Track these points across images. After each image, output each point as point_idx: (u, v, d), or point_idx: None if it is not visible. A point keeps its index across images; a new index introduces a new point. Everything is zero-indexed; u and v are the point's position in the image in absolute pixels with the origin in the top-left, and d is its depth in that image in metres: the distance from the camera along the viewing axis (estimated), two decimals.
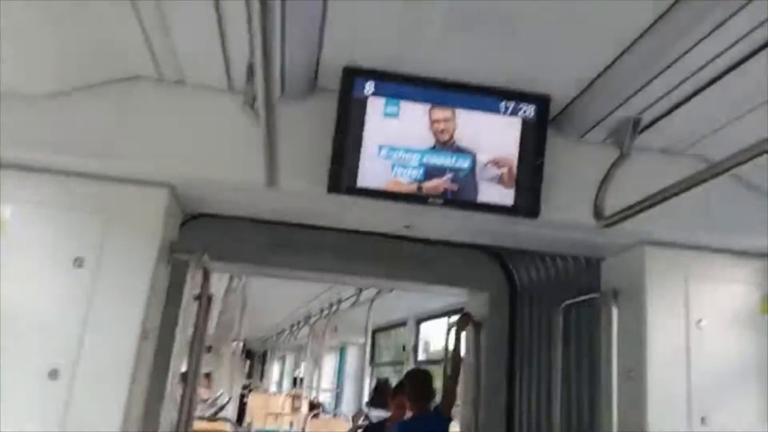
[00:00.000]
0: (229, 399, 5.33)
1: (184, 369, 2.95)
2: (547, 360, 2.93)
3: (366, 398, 6.59)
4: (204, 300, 2.25)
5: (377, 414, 4.80)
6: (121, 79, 1.92)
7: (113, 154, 1.84)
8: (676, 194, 1.76)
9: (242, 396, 15.08)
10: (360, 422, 4.87)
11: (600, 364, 2.54)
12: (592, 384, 2.75)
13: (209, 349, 13.17)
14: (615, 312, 2.41)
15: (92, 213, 1.87)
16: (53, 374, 1.73)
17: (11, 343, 1.73)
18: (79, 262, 1.82)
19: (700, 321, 2.35)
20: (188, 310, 2.25)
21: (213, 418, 4.71)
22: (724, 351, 2.35)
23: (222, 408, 4.95)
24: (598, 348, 2.58)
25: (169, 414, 2.17)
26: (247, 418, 12.57)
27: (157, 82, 1.96)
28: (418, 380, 4.53)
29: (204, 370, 11.28)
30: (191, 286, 2.18)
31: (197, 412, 5.13)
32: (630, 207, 1.97)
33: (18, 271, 1.79)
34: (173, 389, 2.22)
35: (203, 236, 2.59)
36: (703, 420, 2.25)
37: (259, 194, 1.96)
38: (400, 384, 4.80)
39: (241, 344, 15.53)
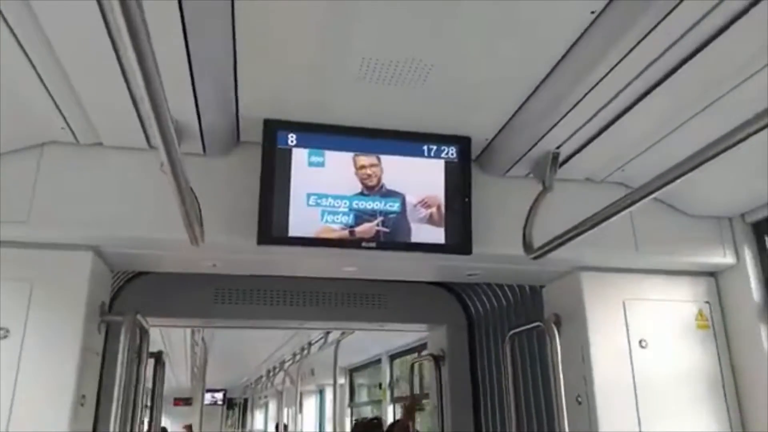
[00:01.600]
0: None
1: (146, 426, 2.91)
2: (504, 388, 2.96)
3: None
4: (144, 357, 2.23)
5: None
6: (36, 145, 1.94)
7: (32, 220, 1.85)
8: (601, 222, 1.83)
9: None
10: None
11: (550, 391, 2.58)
12: (547, 410, 2.78)
13: (187, 401, 12.93)
14: (557, 337, 2.45)
15: (15, 281, 1.86)
16: None
17: None
18: (4, 332, 1.80)
19: (641, 341, 2.41)
20: (131, 369, 2.22)
21: None
22: (668, 368, 2.41)
23: None
24: (546, 374, 2.61)
25: None
26: None
27: (74, 146, 1.97)
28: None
29: (186, 422, 11.08)
30: (130, 345, 2.16)
31: None
32: (557, 237, 2.03)
33: None
34: None
35: (146, 292, 2.59)
36: None
37: (189, 251, 1.98)
38: (368, 427, 4.76)
39: (221, 394, 15.23)
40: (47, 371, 1.81)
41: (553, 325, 2.47)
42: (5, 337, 1.79)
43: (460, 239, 2.20)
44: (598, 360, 2.36)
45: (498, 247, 2.28)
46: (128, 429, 1.95)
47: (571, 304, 2.48)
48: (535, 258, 2.17)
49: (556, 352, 2.42)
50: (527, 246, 2.21)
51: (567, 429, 2.36)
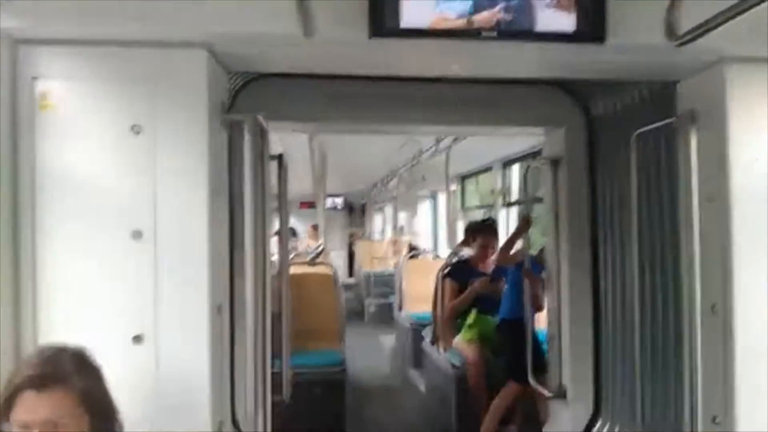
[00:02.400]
0: (323, 247, 5.75)
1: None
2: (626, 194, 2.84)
3: (458, 240, 6.84)
4: (266, 159, 2.33)
5: (468, 253, 5.04)
6: None
7: (146, 18, 1.83)
8: (758, 4, 1.54)
9: (350, 245, 16.29)
10: (452, 260, 5.14)
11: (678, 194, 2.43)
12: (671, 215, 2.65)
13: (311, 204, 14.05)
14: (694, 136, 2.24)
15: (140, 81, 1.92)
16: (137, 235, 1.89)
17: (92, 210, 1.89)
18: (137, 129, 1.91)
19: None
20: (257, 170, 2.34)
21: (313, 262, 5.14)
22: None
23: (319, 254, 5.36)
24: (675, 178, 2.45)
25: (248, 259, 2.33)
26: (356, 264, 13.69)
27: None
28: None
29: (310, 223, 12.19)
30: (253, 145, 2.25)
31: (299, 259, 5.64)
32: (707, 21, 1.75)
33: (82, 143, 1.91)
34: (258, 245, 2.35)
35: (263, 96, 2.63)
36: None
37: (300, 48, 1.93)
38: (478, 227, 4.92)
39: (341, 199, 16.38)
40: (182, 164, 1.92)
41: (690, 122, 2.25)
42: (138, 133, 1.91)
43: (592, 26, 1.95)
44: (737, 160, 2.14)
45: (635, 35, 2.01)
46: (259, 227, 2.08)
47: (711, 100, 2.20)
48: (681, 45, 1.91)
49: (691, 151, 2.23)
50: (671, 31, 1.93)
51: (696, 232, 2.26)
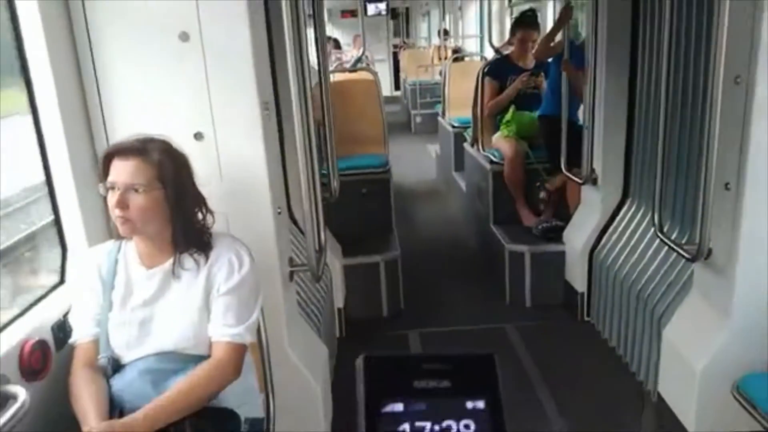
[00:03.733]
0: (363, 54, 5.67)
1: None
2: None
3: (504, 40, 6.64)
4: None
5: (509, 50, 4.95)
6: None
7: None
8: None
9: (395, 55, 15.85)
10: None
11: None
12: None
13: (353, 12, 13.49)
14: None
15: None
16: (198, 135, 2.05)
17: (140, 15, 1.97)
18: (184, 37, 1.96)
19: None
20: None
21: (353, 69, 5.16)
22: None
23: (359, 60, 5.35)
24: None
25: None
26: (402, 74, 13.48)
27: None
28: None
29: (355, 32, 11.82)
30: None
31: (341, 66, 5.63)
32: None
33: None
34: None
35: None
36: None
37: None
38: (518, 20, 4.74)
39: (383, 4, 15.61)
40: None
41: None
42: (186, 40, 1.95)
43: None
44: None
45: None
46: (294, 31, 2.08)
47: None
48: None
49: None
50: None
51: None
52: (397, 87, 15.11)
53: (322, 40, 3.30)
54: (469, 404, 0.50)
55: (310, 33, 2.84)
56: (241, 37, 2.00)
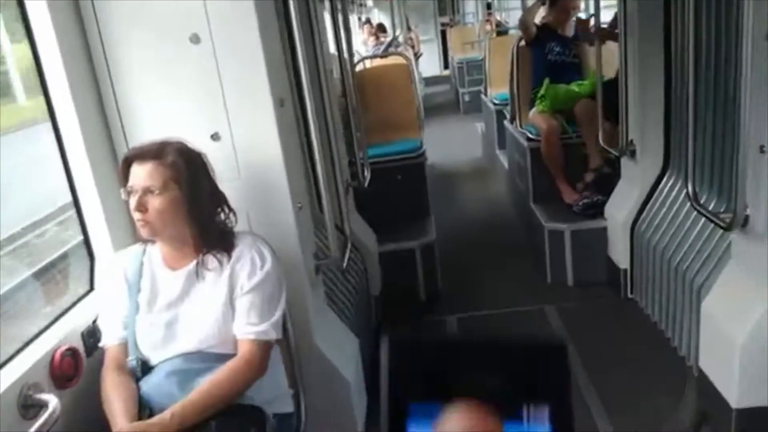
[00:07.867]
0: (395, 37, 5.61)
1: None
2: None
3: None
4: None
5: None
6: None
7: None
8: None
9: (443, 33, 15.53)
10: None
11: None
12: None
13: None
14: None
15: None
16: (215, 136, 2.07)
17: (153, 16, 1.99)
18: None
19: None
20: None
21: (385, 54, 5.12)
22: None
23: (390, 44, 5.28)
24: None
25: None
26: (450, 52, 13.22)
27: None
28: None
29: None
30: None
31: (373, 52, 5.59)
32: None
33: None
34: None
35: None
36: None
37: None
38: None
39: None
40: None
41: None
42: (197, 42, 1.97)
43: None
44: None
45: None
46: (305, 23, 2.05)
47: None
48: None
49: None
50: None
51: None
52: (446, 66, 14.86)
53: (346, 26, 3.29)
54: (527, 410, 0.39)
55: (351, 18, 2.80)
56: (251, 36, 2.00)
